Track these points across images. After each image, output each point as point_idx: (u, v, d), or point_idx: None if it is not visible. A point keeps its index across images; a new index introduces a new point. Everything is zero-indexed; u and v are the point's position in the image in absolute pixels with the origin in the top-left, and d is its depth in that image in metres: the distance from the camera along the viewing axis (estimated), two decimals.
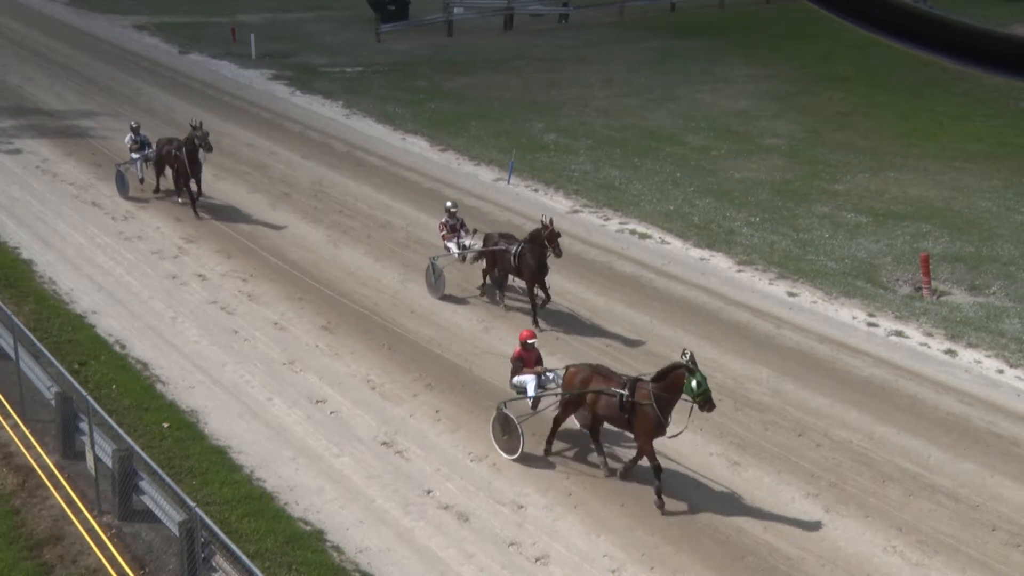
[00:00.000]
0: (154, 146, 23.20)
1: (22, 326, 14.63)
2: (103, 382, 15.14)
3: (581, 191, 24.81)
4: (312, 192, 24.48)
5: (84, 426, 12.58)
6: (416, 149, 28.47)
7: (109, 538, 11.70)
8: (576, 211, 23.65)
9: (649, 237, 22.00)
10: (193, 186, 22.23)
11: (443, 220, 18.97)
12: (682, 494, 12.72)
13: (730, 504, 12.56)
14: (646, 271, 20.12)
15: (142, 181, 23.57)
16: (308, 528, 11.98)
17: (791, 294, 19.11)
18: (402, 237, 21.47)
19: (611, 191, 24.84)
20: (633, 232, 22.29)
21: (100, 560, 11.33)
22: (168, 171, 23.14)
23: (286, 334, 17.09)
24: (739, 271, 20.23)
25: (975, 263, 20.51)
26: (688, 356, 12.06)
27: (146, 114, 31.07)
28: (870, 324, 17.83)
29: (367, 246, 21.05)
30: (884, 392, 15.46)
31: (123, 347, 16.46)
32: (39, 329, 16.21)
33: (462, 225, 18.94)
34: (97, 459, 12.17)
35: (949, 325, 17.63)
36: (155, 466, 11.05)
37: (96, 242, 21.01)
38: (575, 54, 41.07)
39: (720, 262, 20.69)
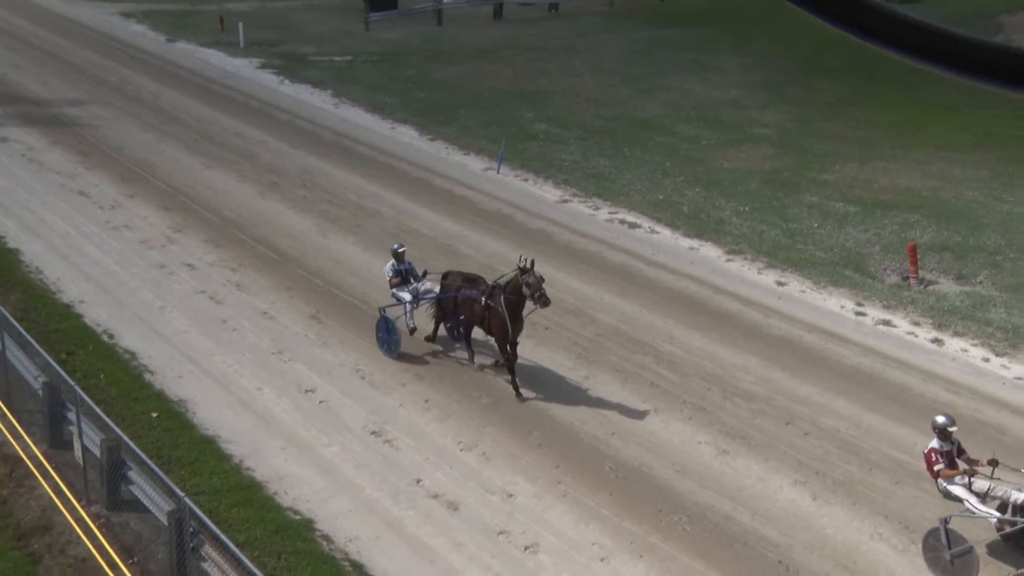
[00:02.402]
0: (422, 279, 16.01)
1: (8, 316, 14.56)
2: (90, 372, 15.08)
3: (571, 181, 24.80)
4: (301, 181, 24.42)
5: (72, 416, 12.53)
6: (405, 138, 28.42)
7: (98, 528, 11.67)
8: (565, 201, 23.65)
9: (639, 227, 22.01)
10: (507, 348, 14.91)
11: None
12: (670, 482, 12.76)
13: (718, 492, 12.60)
14: (636, 260, 20.14)
15: (413, 332, 15.80)
16: (297, 517, 11.98)
17: (780, 283, 19.16)
18: (391, 227, 21.43)
19: (601, 181, 24.83)
20: (623, 222, 22.30)
21: (89, 549, 11.31)
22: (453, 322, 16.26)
23: (275, 323, 17.06)
24: (728, 260, 20.27)
25: (962, 252, 20.60)
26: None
27: (134, 103, 30.97)
28: (858, 313, 17.90)
29: (356, 235, 21.01)
30: (872, 381, 15.52)
31: (111, 337, 16.41)
32: (26, 319, 16.13)
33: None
34: (85, 449, 12.13)
35: (936, 314, 17.71)
36: (143, 456, 11.02)
37: (83, 231, 20.92)
38: (565, 43, 41.03)
39: (709, 251, 20.73)
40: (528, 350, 16.12)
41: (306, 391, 14.92)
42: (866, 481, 12.93)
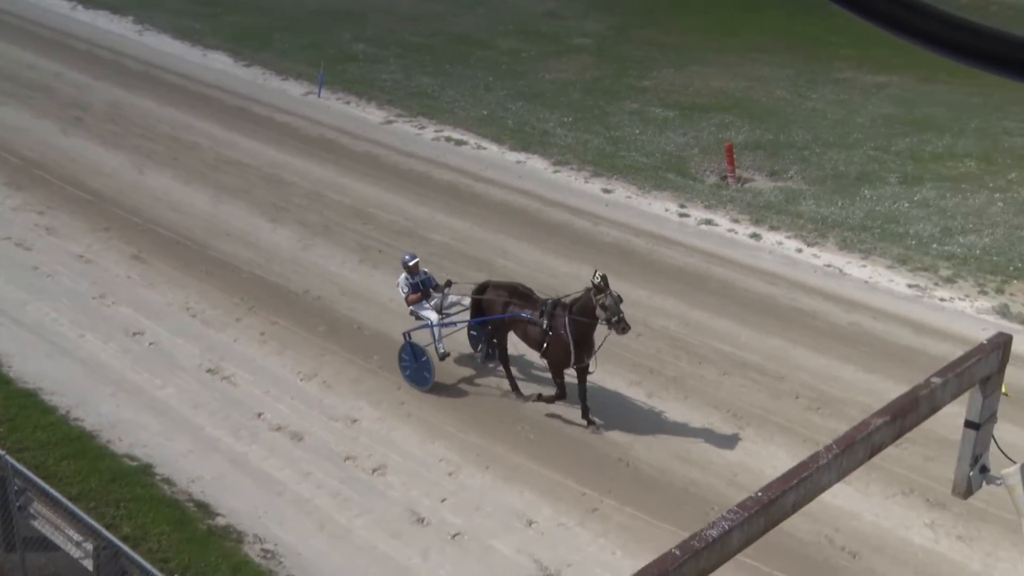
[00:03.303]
0: (445, 291, 13.24)
1: None
2: None
3: (394, 101, 24.40)
4: (108, 115, 23.05)
5: None
6: (219, 65, 27.18)
7: None
8: (390, 121, 23.29)
9: (465, 143, 21.94)
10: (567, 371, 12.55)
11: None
12: (505, 393, 12.99)
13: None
14: (464, 178, 20.11)
15: (444, 357, 13.06)
16: (134, 464, 11.61)
17: (606, 191, 19.56)
18: (211, 159, 20.61)
19: (424, 99, 24.53)
20: (449, 139, 22.17)
21: None
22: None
23: (93, 267, 16.23)
24: (555, 172, 20.51)
25: (774, 150, 21.53)
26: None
27: None
28: (681, 215, 18.52)
29: (174, 169, 20.10)
30: (697, 279, 16.16)
31: None
32: None
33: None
34: None
35: (753, 210, 18.52)
36: None
37: None
38: None
39: (536, 164, 20.91)
40: (363, 274, 15.97)
41: (134, 334, 14.33)
42: (696, 375, 13.54)
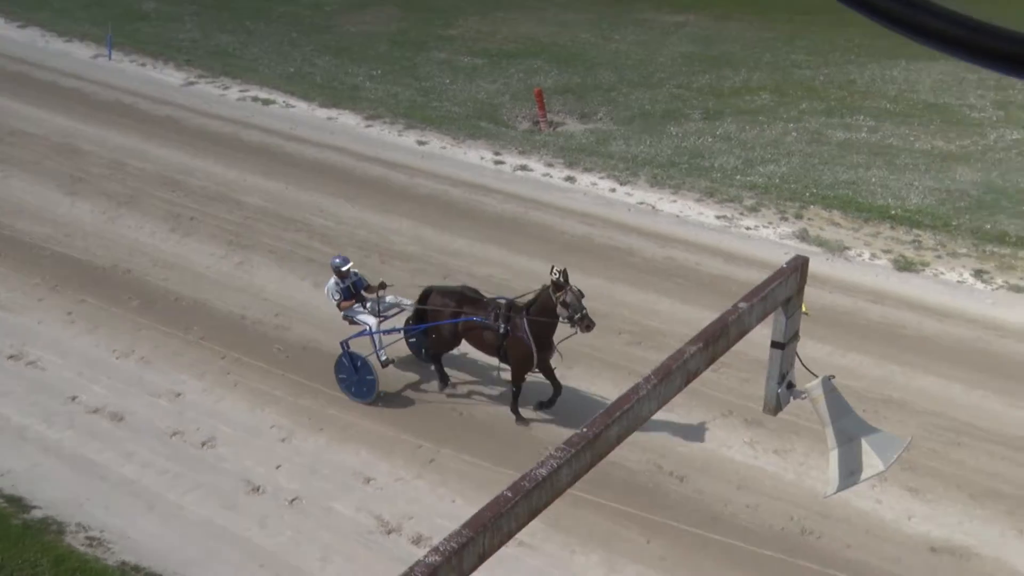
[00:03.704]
0: (380, 294, 11.97)
1: None
2: None
3: (193, 61, 23.37)
4: None
5: None
6: None
7: None
8: (191, 83, 22.31)
9: (273, 102, 21.30)
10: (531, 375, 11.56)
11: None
12: (332, 353, 12.83)
13: (388, 351, 12.86)
14: (274, 137, 19.55)
15: (386, 365, 11.91)
16: None
17: (421, 143, 19.45)
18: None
19: (226, 58, 23.61)
20: (255, 99, 21.47)
21: None
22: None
23: None
24: (368, 126, 20.22)
25: (582, 93, 21.92)
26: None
27: None
28: (497, 162, 18.64)
29: None
30: (517, 225, 16.35)
31: None
32: None
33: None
34: None
35: (566, 153, 18.85)
36: None
37: None
38: None
39: (348, 119, 20.54)
40: (176, 243, 15.35)
41: None
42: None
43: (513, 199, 17.20)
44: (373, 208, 16.73)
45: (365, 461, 10.95)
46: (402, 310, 12.13)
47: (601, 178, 18.00)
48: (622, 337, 13.23)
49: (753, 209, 16.83)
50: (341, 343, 11.74)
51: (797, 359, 4.52)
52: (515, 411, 11.44)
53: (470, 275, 14.73)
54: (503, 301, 11.26)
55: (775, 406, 4.31)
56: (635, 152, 18.87)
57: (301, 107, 21.13)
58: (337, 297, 11.88)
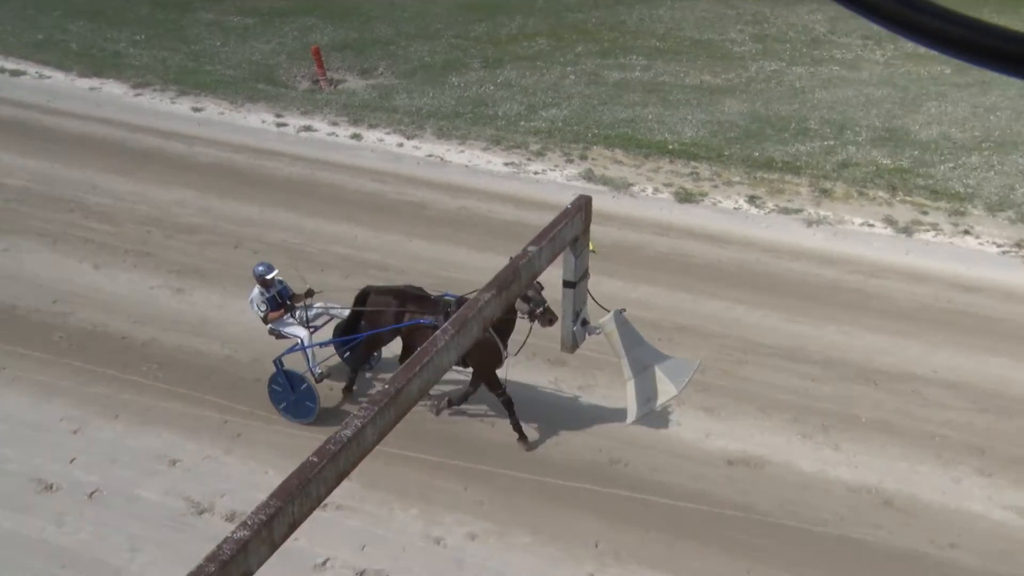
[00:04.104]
0: (308, 301, 10.85)
1: None
2: None
3: None
4: None
5: None
6: None
7: None
8: None
9: (24, 73, 19.81)
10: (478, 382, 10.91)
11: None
12: (132, 335, 12.24)
13: (181, 331, 12.37)
14: (30, 112, 18.22)
15: (321, 379, 10.84)
16: None
17: (196, 109, 18.63)
18: None
19: None
20: (2, 71, 19.89)
21: None
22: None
23: None
24: (137, 95, 19.17)
25: (360, 48, 21.57)
26: None
27: None
28: (279, 125, 18.12)
29: None
30: (306, 187, 15.99)
31: None
32: None
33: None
34: None
35: (350, 111, 18.54)
36: None
37: None
38: None
39: (113, 88, 19.39)
40: None
41: None
42: (319, 283, 13.49)
43: (300, 161, 16.80)
44: (152, 181, 15.94)
45: (169, 443, 10.53)
46: (332, 318, 11.06)
47: (388, 134, 17.84)
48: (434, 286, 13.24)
49: (539, 154, 17.14)
50: (275, 361, 10.56)
51: (589, 296, 4.66)
52: (517, 427, 10.29)
53: (261, 241, 14.32)
54: (452, 298, 10.20)
55: (572, 344, 4.43)
56: (419, 105, 18.80)
57: (58, 77, 19.77)
58: (264, 309, 10.64)
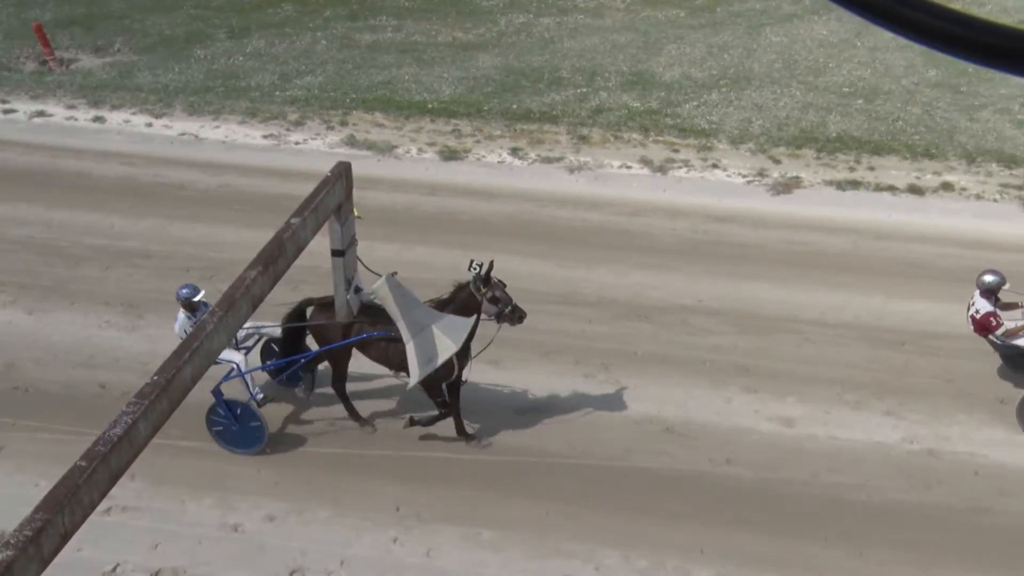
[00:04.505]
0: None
1: None
2: None
3: None
4: None
5: None
6: None
7: None
8: None
9: None
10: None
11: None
12: None
13: None
14: None
15: (263, 404, 9.95)
16: None
17: None
18: None
19: None
20: None
21: None
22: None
23: None
24: None
25: (91, 24, 20.21)
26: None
27: None
28: (7, 111, 16.77)
29: None
30: (47, 177, 14.91)
31: None
32: None
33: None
34: None
35: (88, 92, 17.38)
36: None
37: None
38: None
39: None
40: None
41: None
42: (77, 277, 12.66)
43: (38, 149, 15.62)
44: None
45: None
46: (263, 337, 10.22)
47: (133, 114, 16.86)
48: (191, 274, 12.70)
49: (298, 123, 16.72)
50: (213, 391, 9.50)
51: (360, 263, 4.61)
52: (463, 431, 9.90)
53: (4, 239, 13.27)
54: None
55: (348, 311, 4.37)
56: (165, 81, 17.86)
57: None
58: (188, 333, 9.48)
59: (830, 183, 14.98)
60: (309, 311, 9.64)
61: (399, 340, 9.05)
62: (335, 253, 3.85)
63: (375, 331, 9.29)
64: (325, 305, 9.42)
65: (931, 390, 10.49)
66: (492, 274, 9.18)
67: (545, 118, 16.90)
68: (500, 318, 9.29)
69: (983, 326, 10.15)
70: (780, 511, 8.99)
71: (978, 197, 14.55)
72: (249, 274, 3.37)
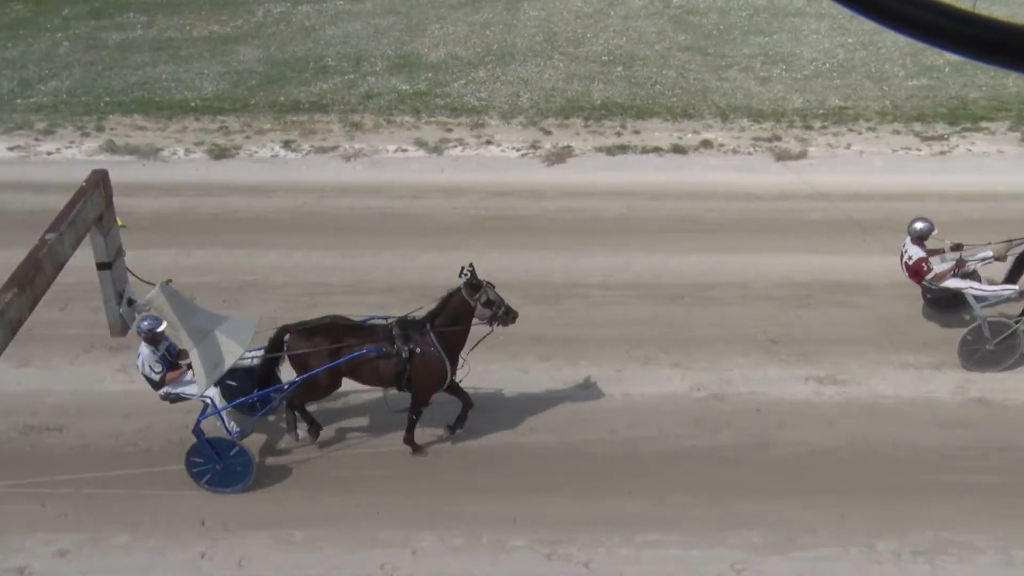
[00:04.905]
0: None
1: None
2: None
3: None
4: None
5: None
6: None
7: None
8: None
9: None
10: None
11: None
12: None
13: None
14: None
15: (244, 437, 9.10)
16: None
17: None
18: None
19: None
20: None
21: None
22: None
23: None
24: None
25: None
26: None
27: None
28: None
29: None
30: None
31: None
32: None
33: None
34: None
35: None
36: None
37: None
38: None
39: None
40: None
41: None
42: None
43: None
44: None
45: None
46: (237, 369, 9.35)
47: None
48: None
49: (48, 132, 15.66)
50: (194, 431, 8.84)
51: (130, 274, 4.36)
52: (411, 442, 9.53)
53: None
54: (385, 321, 9.36)
55: (122, 326, 4.13)
56: None
57: None
58: (159, 370, 8.92)
59: (600, 149, 15.50)
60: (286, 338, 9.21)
61: (391, 354, 9.01)
62: (101, 266, 3.62)
63: (364, 349, 9.05)
64: (307, 331, 9.16)
65: (711, 338, 11.08)
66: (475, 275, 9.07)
67: (315, 108, 16.58)
68: (493, 321, 9.14)
69: (916, 271, 10.68)
70: (586, 472, 9.27)
71: (735, 152, 15.45)
72: (3, 297, 3.11)
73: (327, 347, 9.03)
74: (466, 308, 9.08)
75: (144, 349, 8.90)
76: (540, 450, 9.61)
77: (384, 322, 9.38)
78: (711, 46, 19.47)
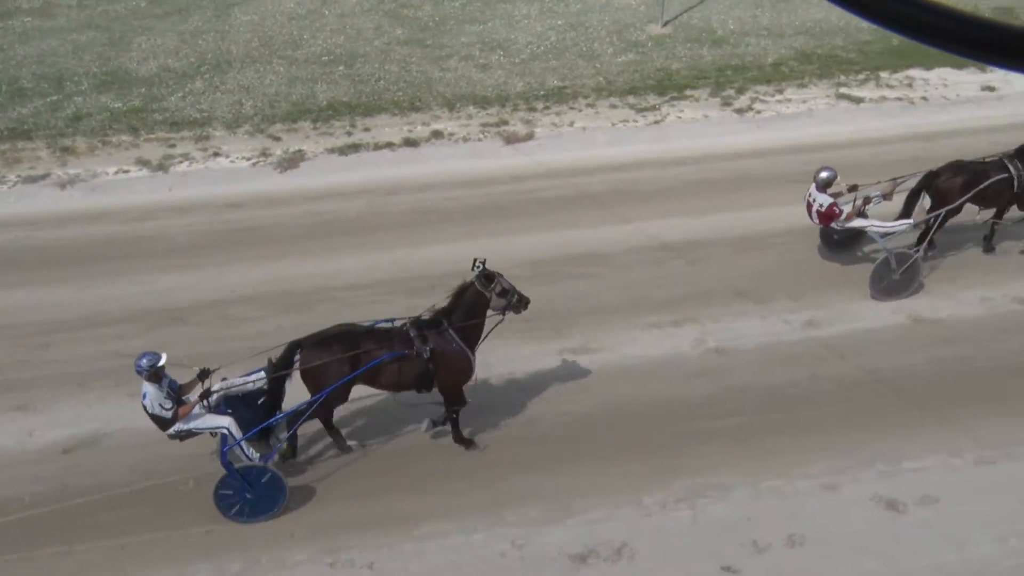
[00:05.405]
0: (203, 387, 8.48)
1: None
2: None
3: None
4: None
5: None
6: None
7: None
8: None
9: None
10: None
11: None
12: None
13: None
14: None
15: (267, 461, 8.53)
16: None
17: None
18: None
19: None
20: None
21: None
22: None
23: None
24: None
25: None
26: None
27: None
28: None
29: None
30: None
31: None
32: None
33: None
34: None
35: None
36: None
37: None
38: None
39: None
40: None
41: None
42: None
43: None
44: None
45: None
46: (238, 391, 8.91)
47: None
48: None
49: None
50: (223, 463, 8.45)
51: None
52: (462, 439, 9.48)
53: None
54: (397, 323, 9.17)
55: None
56: None
57: None
58: (169, 407, 8.39)
59: (332, 150, 15.34)
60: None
61: (411, 356, 8.89)
62: None
63: (382, 354, 8.83)
64: (320, 343, 8.86)
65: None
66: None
67: (16, 135, 15.36)
68: (505, 310, 9.09)
69: (829, 216, 11.31)
70: (356, 475, 9.19)
71: (465, 139, 15.75)
72: None
73: (344, 356, 8.83)
74: (482, 300, 9.05)
75: (149, 388, 8.41)
76: (300, 463, 9.43)
77: (391, 325, 9.27)
78: (429, 38, 19.70)
